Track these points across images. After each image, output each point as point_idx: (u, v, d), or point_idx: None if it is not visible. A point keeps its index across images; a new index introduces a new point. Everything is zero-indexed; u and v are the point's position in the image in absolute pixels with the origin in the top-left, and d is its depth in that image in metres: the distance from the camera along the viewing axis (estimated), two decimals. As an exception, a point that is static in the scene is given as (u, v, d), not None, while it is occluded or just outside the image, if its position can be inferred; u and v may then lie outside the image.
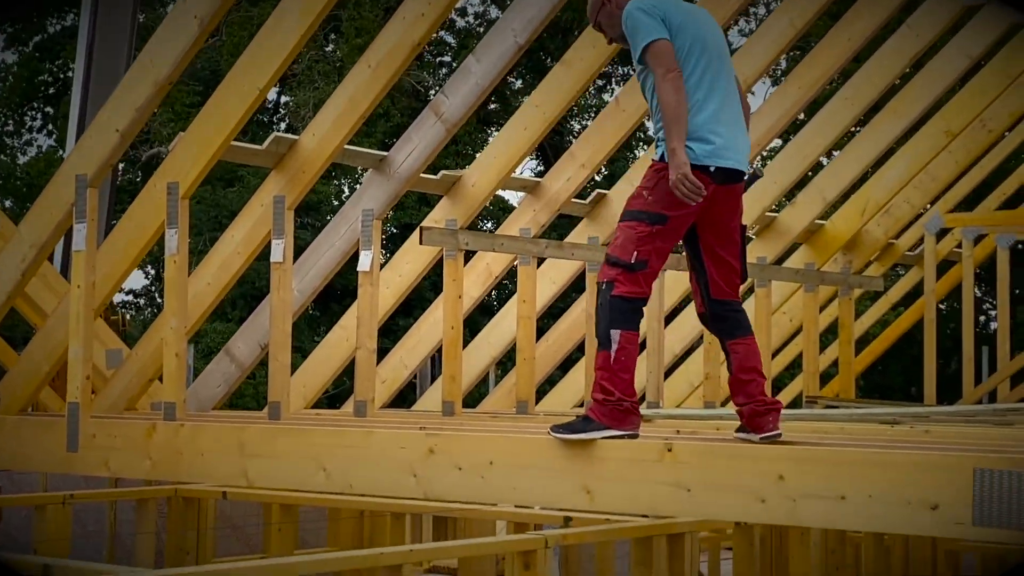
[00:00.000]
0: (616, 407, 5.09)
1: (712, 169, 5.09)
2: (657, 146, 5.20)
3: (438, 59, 26.33)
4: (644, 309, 5.29)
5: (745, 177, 5.29)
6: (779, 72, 22.14)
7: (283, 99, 26.51)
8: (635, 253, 5.10)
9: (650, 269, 5.14)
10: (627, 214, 5.20)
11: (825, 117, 11.28)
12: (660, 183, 5.07)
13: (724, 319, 5.29)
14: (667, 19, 5.13)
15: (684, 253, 5.42)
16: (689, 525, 6.56)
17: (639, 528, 6.10)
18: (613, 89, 26.63)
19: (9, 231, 8.27)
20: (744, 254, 5.33)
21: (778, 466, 4.71)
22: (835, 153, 13.23)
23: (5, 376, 8.34)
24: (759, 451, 4.86)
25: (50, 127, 27.54)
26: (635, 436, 5.14)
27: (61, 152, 24.25)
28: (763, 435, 5.05)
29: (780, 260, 12.40)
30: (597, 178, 22.72)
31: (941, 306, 15.89)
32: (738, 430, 5.24)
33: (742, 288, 5.41)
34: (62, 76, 27.06)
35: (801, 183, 12.36)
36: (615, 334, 5.06)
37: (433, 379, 14.67)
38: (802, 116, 13.88)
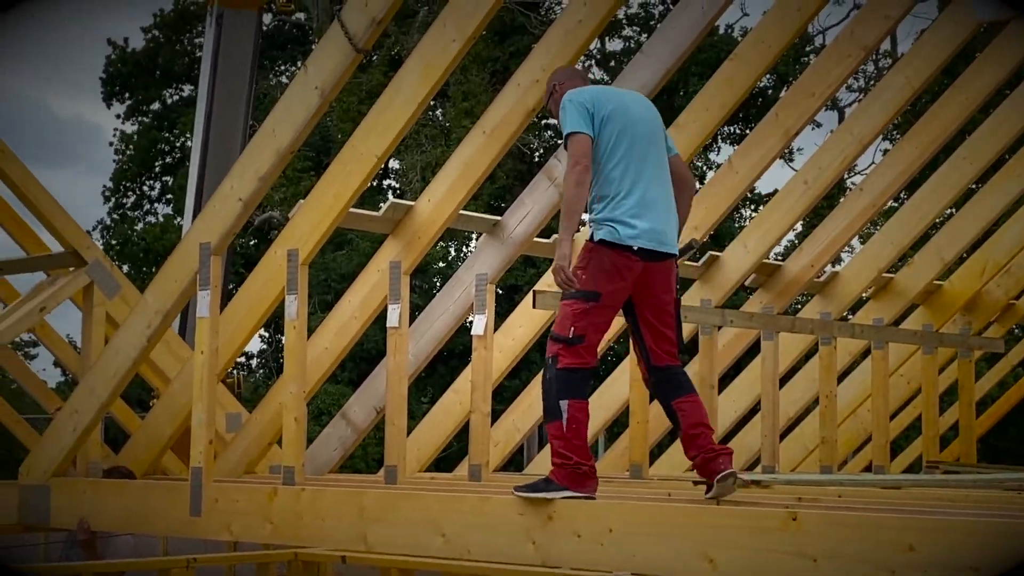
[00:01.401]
0: (574, 470, 5.49)
1: (636, 248, 5.53)
2: (589, 227, 5.63)
3: (543, 121, 26.53)
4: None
5: (677, 253, 5.70)
6: (895, 130, 21.91)
7: (391, 163, 26.88)
8: (571, 328, 5.52)
9: (588, 342, 5.54)
10: (564, 294, 5.58)
11: (943, 176, 11.12)
12: (591, 262, 5.54)
13: (667, 382, 5.70)
14: (596, 110, 5.56)
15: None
16: (812, 595, 6.40)
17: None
18: (719, 148, 26.56)
19: (134, 298, 8.46)
20: (680, 325, 5.76)
21: (908, 536, 4.61)
22: (953, 213, 13.01)
23: (129, 441, 8.51)
24: (887, 520, 4.76)
25: (168, 196, 28.21)
26: (592, 498, 5.48)
27: (178, 219, 24.80)
28: (719, 476, 5.42)
29: (897, 321, 12.20)
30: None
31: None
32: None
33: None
34: (179, 145, 27.76)
35: (919, 243, 12.17)
36: (564, 404, 5.48)
37: (541, 441, 14.65)
38: (919, 176, 13.70)
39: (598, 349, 5.70)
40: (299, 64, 26.23)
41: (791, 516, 4.87)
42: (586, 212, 5.73)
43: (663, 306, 5.70)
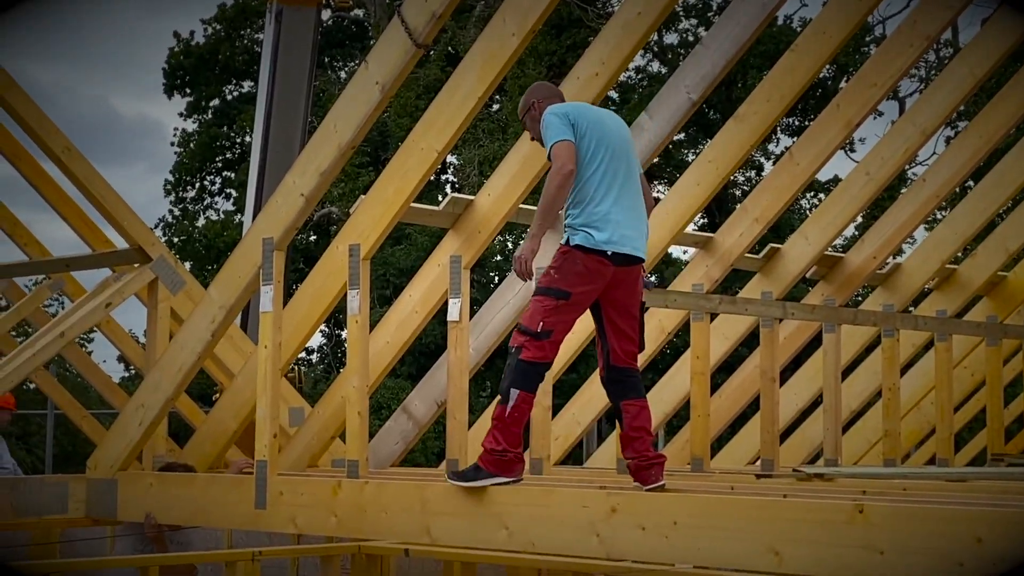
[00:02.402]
0: (501, 457, 5.87)
1: (609, 253, 5.84)
2: (564, 231, 5.94)
3: (602, 115, 26.46)
4: (628, 379, 5.98)
5: (645, 259, 6.02)
6: (958, 120, 21.66)
7: (449, 158, 26.95)
8: (540, 323, 5.83)
9: (554, 338, 5.86)
10: (537, 290, 5.94)
11: (1007, 166, 11.00)
12: (564, 264, 5.87)
13: (620, 383, 6.00)
14: (576, 123, 5.92)
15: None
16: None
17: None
18: (779, 139, 26.37)
19: (198, 294, 8.55)
20: (642, 328, 6.06)
21: (976, 528, 4.57)
22: (1018, 203, 12.85)
23: (194, 435, 8.60)
24: (955, 513, 4.72)
25: (229, 191, 28.44)
26: (519, 480, 5.92)
27: (239, 216, 24.99)
28: (648, 487, 5.70)
29: (961, 313, 12.08)
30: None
31: None
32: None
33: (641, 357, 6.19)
34: (239, 141, 27.98)
35: (982, 234, 12.04)
36: (514, 393, 5.82)
37: (600, 435, 14.64)
38: (982, 165, 13.55)
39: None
40: (357, 61, 26.36)
41: (858, 509, 4.84)
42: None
43: (629, 309, 6.01)
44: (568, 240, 5.93)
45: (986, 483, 7.29)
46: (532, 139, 6.46)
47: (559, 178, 5.82)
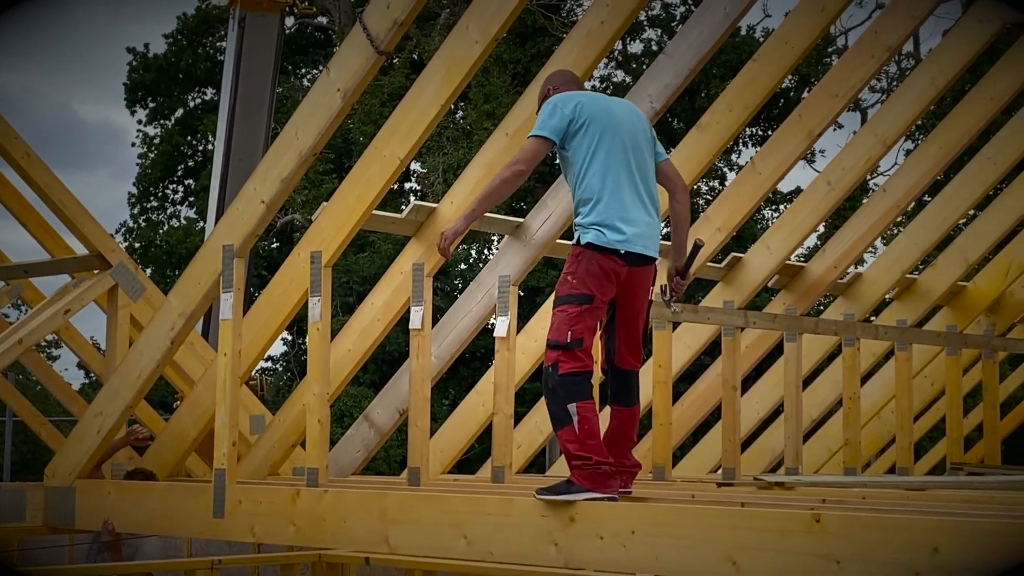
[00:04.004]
0: (595, 470, 5.48)
1: (623, 252, 5.61)
2: (575, 231, 5.71)
3: (567, 124, 26.49)
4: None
5: (657, 258, 5.79)
6: (918, 132, 21.81)
7: (412, 165, 26.92)
8: (569, 333, 5.56)
9: (585, 346, 5.58)
10: (558, 300, 5.67)
11: (967, 177, 11.08)
12: (580, 266, 5.61)
13: (620, 385, 5.87)
14: (579, 113, 5.66)
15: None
16: (837, 597, 6.40)
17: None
18: (740, 149, 26.49)
19: (158, 300, 8.49)
20: (647, 326, 5.93)
21: (933, 538, 4.60)
22: (977, 214, 12.96)
23: (153, 443, 8.53)
24: (912, 522, 4.74)
25: (191, 199, 28.30)
26: (615, 499, 5.49)
27: (201, 223, 24.88)
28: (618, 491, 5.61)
29: (921, 323, 12.15)
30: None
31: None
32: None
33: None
34: (201, 149, 27.85)
35: (942, 244, 12.13)
36: (572, 408, 5.49)
37: (565, 443, 14.63)
38: (943, 176, 13.65)
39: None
40: (321, 67, 26.28)
41: (815, 518, 4.86)
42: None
43: (639, 311, 5.84)
44: (579, 239, 5.67)
45: (945, 492, 7.33)
46: None
47: (507, 172, 5.69)
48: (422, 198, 23.68)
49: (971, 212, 12.85)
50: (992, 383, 10.87)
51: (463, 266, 23.99)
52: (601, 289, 5.61)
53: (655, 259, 5.79)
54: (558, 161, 5.85)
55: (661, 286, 6.15)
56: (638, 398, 5.96)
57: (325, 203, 7.59)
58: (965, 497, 6.77)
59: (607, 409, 6.23)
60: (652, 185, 5.82)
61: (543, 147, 5.68)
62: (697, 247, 6.11)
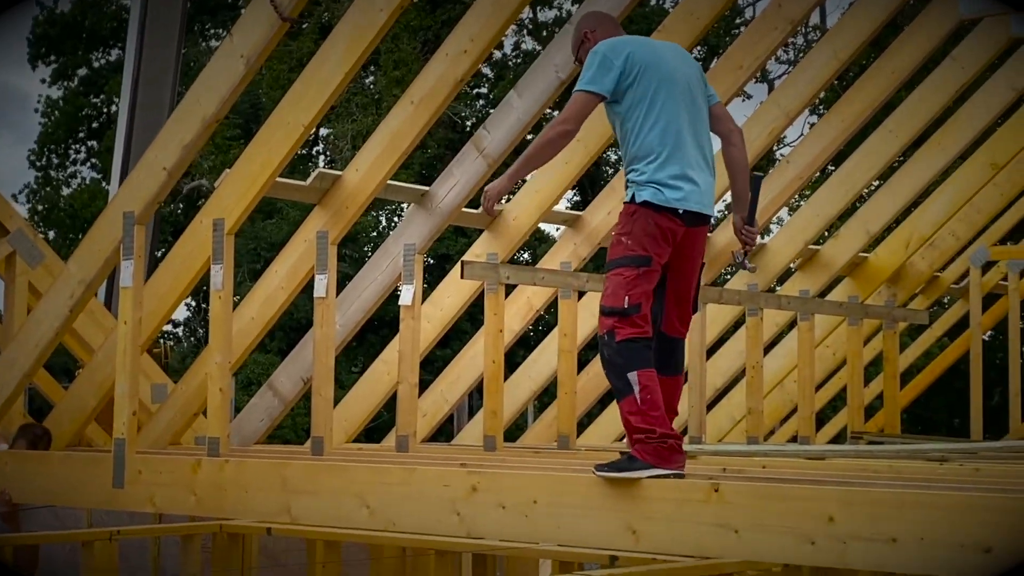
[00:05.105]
0: (660, 444, 5.07)
1: (681, 212, 5.23)
2: (627, 188, 5.30)
3: (475, 91, 26.43)
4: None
5: (714, 216, 5.43)
6: (821, 105, 22.08)
7: (321, 131, 26.68)
8: (626, 298, 5.15)
9: (644, 311, 5.18)
10: (612, 263, 5.25)
11: (869, 149, 11.22)
12: (635, 226, 5.20)
13: (666, 354, 5.41)
14: (629, 66, 5.23)
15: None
16: (736, 566, 6.47)
17: (685, 569, 6.03)
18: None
19: (57, 267, 8.33)
20: (698, 290, 5.52)
21: (828, 507, 4.66)
22: (879, 185, 13.15)
23: (52, 411, 8.39)
24: (808, 492, 4.81)
25: (94, 160, 27.80)
26: (681, 476, 5.11)
27: (105, 185, 24.47)
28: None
29: (823, 293, 12.33)
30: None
31: (985, 337, 15.74)
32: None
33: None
34: (106, 110, 27.35)
35: (845, 216, 12.30)
36: (633, 376, 5.09)
37: (471, 412, 14.65)
38: (845, 148, 13.84)
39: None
40: (228, 30, 25.94)
41: (713, 488, 4.91)
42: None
43: (691, 274, 5.46)
44: (633, 197, 5.24)
45: (844, 461, 7.45)
46: None
47: (552, 132, 5.23)
48: (331, 164, 23.51)
49: (873, 184, 13.05)
50: (892, 353, 11.05)
51: (373, 233, 23.87)
52: (658, 250, 5.21)
53: (712, 218, 5.44)
54: (607, 112, 5.40)
55: (732, 252, 5.83)
56: (683, 367, 5.55)
57: (228, 170, 7.49)
58: (863, 466, 6.89)
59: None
60: (707, 137, 5.44)
61: (593, 103, 5.26)
62: (758, 180, 5.69)
